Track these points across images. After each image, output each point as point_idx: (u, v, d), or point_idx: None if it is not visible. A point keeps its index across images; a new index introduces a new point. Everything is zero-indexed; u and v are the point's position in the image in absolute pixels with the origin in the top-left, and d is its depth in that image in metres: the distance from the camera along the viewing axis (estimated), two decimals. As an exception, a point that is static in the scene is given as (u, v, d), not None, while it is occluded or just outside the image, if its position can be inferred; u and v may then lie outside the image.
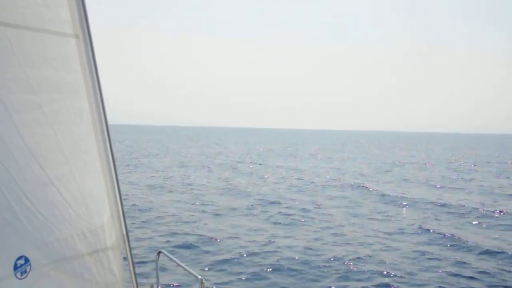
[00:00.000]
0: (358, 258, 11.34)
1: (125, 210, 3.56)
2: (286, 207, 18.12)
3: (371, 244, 12.66)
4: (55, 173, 3.00)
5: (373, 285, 9.65)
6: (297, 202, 19.51)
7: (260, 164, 39.62)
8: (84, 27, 3.16)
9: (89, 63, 3.18)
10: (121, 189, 3.50)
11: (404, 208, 18.73)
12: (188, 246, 12.02)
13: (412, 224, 15.36)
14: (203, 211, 16.93)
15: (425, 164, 45.26)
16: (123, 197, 3.57)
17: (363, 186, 25.46)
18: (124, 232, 3.54)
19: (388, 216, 16.94)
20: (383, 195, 22.32)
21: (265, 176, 29.26)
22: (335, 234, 13.74)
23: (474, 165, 43.83)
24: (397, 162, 46.58)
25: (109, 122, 3.34)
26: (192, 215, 16.07)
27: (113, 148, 3.39)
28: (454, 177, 32.69)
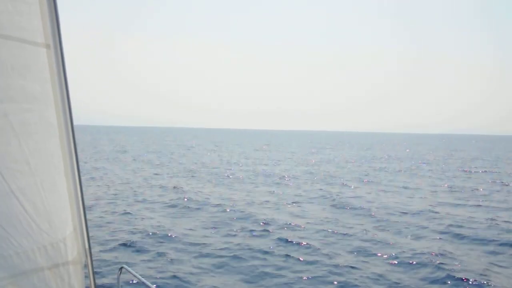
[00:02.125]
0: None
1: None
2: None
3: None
4: (18, 184, 2.98)
5: None
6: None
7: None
8: (56, 37, 3.17)
9: (59, 74, 3.19)
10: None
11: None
12: (150, 261, 11.84)
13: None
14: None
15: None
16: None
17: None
18: (87, 246, 3.52)
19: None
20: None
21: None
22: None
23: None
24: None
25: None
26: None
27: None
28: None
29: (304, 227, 16.10)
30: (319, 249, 13.24)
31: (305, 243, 13.76)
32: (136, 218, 17.22)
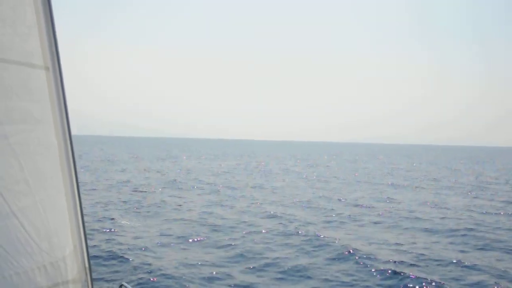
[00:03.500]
0: None
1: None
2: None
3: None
4: (18, 205, 3.04)
5: None
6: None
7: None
8: (55, 60, 3.26)
9: (58, 96, 3.28)
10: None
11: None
12: (149, 278, 11.82)
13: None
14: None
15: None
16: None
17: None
18: (87, 265, 3.56)
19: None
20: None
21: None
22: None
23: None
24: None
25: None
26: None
27: None
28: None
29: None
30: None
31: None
32: (134, 234, 17.19)
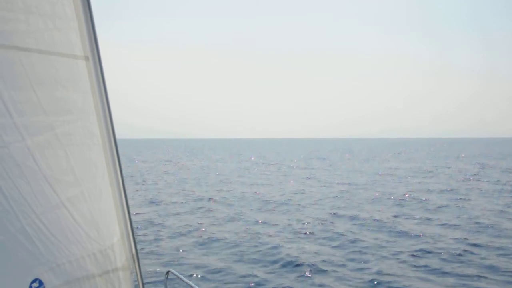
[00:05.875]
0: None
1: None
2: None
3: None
4: (66, 195, 3.14)
5: None
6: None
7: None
8: (94, 49, 3.32)
9: (99, 85, 3.34)
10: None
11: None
12: (196, 264, 12.07)
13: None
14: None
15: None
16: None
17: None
18: (134, 252, 3.65)
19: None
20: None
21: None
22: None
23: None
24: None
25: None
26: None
27: None
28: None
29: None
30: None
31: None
32: (179, 222, 17.59)
